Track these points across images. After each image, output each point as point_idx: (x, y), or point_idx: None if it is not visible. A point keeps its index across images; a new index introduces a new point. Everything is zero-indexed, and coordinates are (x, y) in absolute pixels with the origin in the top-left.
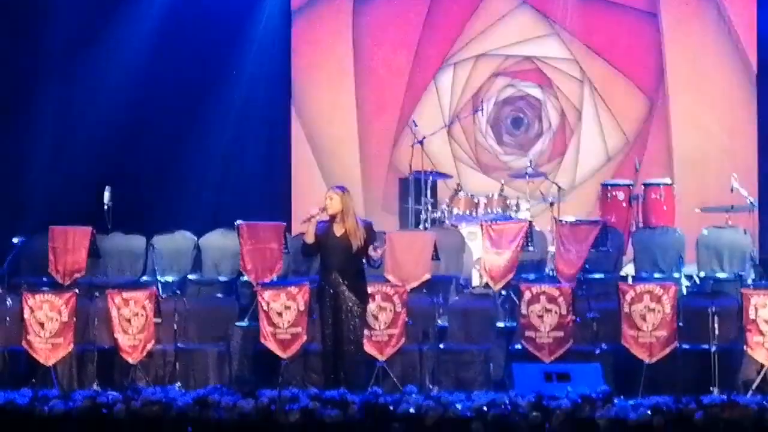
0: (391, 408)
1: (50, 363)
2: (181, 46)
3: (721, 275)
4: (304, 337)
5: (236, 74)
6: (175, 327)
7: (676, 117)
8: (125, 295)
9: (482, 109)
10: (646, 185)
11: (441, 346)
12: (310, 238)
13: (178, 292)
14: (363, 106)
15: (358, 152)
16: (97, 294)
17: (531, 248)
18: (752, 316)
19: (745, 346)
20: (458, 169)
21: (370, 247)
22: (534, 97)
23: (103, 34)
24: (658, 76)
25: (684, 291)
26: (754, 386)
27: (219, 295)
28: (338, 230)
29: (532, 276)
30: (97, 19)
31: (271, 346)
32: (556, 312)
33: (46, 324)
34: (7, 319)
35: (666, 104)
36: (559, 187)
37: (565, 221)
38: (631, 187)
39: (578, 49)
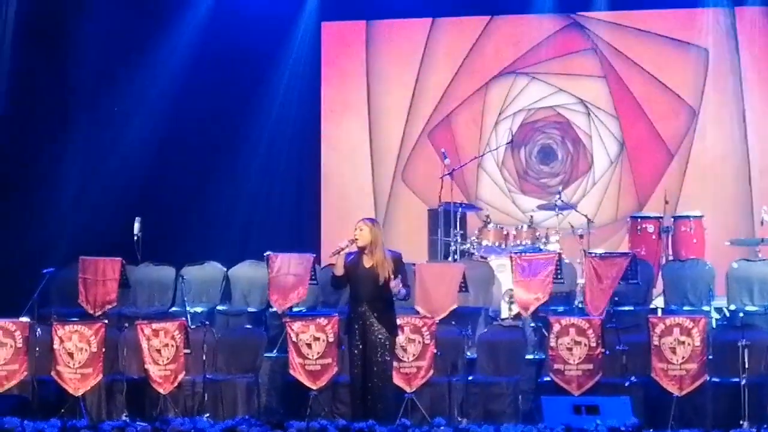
0: None
1: (79, 393)
2: (212, 79)
3: (751, 308)
4: (335, 369)
5: (266, 106)
6: (204, 358)
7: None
8: (155, 326)
9: (512, 141)
10: (676, 218)
11: (470, 378)
12: (339, 271)
13: (207, 323)
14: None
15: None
16: (126, 325)
17: (561, 280)
18: None
19: None
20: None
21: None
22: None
23: (133, 66)
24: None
25: (714, 324)
26: None
27: (248, 326)
28: (367, 262)
29: (561, 308)
30: (127, 51)
31: (300, 377)
32: (585, 344)
33: (76, 354)
34: (37, 349)
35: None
36: (589, 220)
37: (595, 253)
38: (660, 219)
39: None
